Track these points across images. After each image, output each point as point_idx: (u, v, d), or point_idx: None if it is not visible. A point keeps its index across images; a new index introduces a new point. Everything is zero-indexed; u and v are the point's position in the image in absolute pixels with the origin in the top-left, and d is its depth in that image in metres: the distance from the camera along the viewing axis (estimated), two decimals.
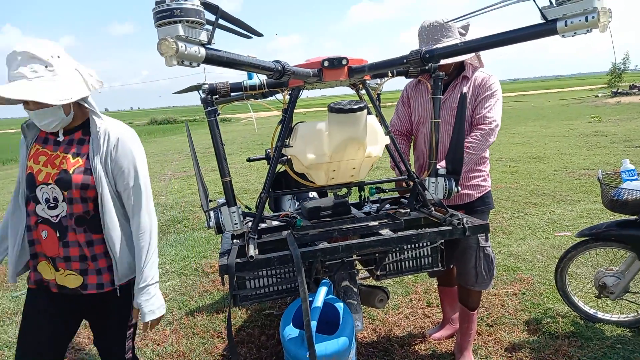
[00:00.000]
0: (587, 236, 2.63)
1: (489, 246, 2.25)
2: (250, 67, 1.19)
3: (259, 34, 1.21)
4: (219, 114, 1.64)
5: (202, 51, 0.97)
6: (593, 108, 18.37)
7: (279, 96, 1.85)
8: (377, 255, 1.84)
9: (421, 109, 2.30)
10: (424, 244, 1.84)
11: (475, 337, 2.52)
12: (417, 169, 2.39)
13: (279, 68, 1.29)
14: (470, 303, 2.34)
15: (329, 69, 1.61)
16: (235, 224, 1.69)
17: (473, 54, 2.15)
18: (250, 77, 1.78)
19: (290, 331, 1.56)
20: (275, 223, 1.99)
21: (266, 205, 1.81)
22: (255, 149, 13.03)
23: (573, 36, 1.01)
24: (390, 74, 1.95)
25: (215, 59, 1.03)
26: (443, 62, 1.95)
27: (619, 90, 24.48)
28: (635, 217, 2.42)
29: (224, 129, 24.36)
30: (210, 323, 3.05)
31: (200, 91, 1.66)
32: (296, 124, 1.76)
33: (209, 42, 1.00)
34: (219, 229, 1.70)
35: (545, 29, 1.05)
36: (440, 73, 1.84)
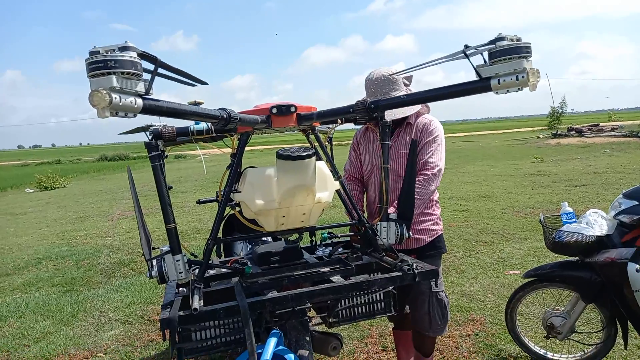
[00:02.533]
0: (533, 277, 2.69)
1: (442, 291, 2.25)
2: (193, 115, 1.16)
3: (203, 83, 1.19)
4: (166, 156, 1.59)
5: (139, 102, 0.93)
6: (536, 149, 19.48)
7: (228, 141, 1.82)
8: (328, 302, 1.80)
9: (369, 157, 2.33)
10: (376, 290, 1.82)
11: None
12: (369, 214, 2.39)
13: (225, 116, 1.26)
14: (425, 349, 2.32)
15: (278, 115, 1.61)
16: (180, 272, 1.61)
17: (418, 105, 2.20)
18: (197, 122, 1.75)
19: None
20: (224, 270, 1.92)
21: (215, 250, 1.73)
22: (209, 187, 12.80)
23: (506, 93, 1.06)
24: (339, 121, 1.97)
25: (154, 109, 0.99)
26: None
27: (558, 132, 25.94)
28: (577, 258, 2.52)
29: (178, 166, 23.88)
30: None
31: (148, 132, 1.60)
32: (245, 169, 1.73)
33: (147, 93, 0.97)
34: (162, 279, 1.61)
35: (480, 85, 1.10)
36: (387, 120, 1.88)
